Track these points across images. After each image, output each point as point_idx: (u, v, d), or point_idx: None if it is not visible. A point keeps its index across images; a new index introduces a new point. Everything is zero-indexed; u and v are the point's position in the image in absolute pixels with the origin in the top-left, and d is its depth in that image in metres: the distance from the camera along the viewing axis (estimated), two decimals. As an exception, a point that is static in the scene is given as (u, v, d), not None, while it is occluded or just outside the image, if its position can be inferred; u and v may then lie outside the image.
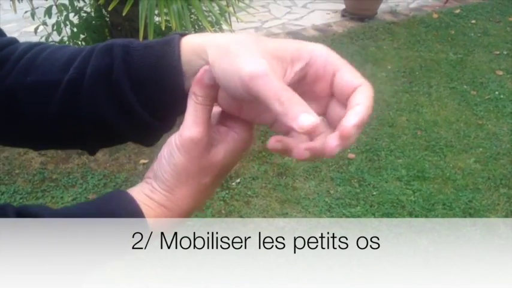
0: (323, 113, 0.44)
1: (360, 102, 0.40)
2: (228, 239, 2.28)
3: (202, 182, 0.46)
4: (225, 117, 0.48)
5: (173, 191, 0.45)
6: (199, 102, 0.44)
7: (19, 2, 2.60)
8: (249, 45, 0.41)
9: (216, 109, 0.48)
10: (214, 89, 0.44)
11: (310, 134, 0.41)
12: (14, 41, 0.55)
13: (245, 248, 2.24)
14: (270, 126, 0.47)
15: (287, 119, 0.37)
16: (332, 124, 0.43)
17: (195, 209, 0.47)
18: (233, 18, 2.83)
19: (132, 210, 0.44)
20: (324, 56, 0.42)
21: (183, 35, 0.47)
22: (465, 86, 3.74)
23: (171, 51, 0.46)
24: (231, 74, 0.40)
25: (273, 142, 0.43)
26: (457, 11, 5.14)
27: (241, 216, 2.42)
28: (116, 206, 0.44)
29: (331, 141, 0.39)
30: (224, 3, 2.69)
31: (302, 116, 0.37)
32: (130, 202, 0.45)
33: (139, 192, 0.46)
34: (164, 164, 0.45)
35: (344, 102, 0.41)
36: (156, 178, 0.46)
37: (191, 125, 0.44)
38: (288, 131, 0.46)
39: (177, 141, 0.44)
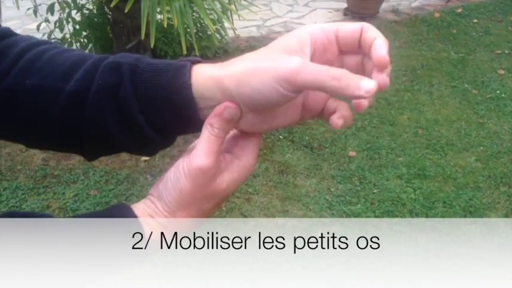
0: None
1: (374, 35, 0.43)
2: (228, 239, 2.28)
3: (204, 207, 0.47)
4: (232, 145, 0.48)
5: (175, 213, 0.46)
6: (215, 134, 0.44)
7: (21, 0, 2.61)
8: (264, 54, 0.44)
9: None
10: (231, 123, 0.45)
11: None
12: (10, 33, 0.54)
13: (245, 247, 2.25)
14: (297, 122, 0.48)
15: (351, 90, 0.39)
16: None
17: (193, 229, 0.49)
18: (235, 17, 2.84)
19: (134, 230, 0.45)
20: (319, 28, 0.45)
21: (194, 61, 0.47)
22: (466, 85, 3.74)
23: (182, 77, 0.46)
24: (268, 83, 0.41)
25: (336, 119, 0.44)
26: (459, 10, 5.13)
27: (242, 214, 2.43)
28: (118, 227, 0.45)
29: (376, 77, 0.41)
30: (226, 1, 2.70)
31: (362, 82, 0.39)
32: (132, 222, 0.46)
33: (140, 210, 0.47)
34: (170, 188, 0.46)
35: (355, 50, 0.45)
36: (160, 199, 0.47)
37: (202, 154, 0.44)
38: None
39: (185, 168, 0.45)
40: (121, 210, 0.46)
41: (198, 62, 0.47)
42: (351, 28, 0.44)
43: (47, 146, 0.55)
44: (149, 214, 0.46)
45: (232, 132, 0.49)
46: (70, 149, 0.55)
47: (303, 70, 0.40)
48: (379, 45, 0.42)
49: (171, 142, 0.51)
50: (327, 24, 0.45)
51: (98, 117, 0.48)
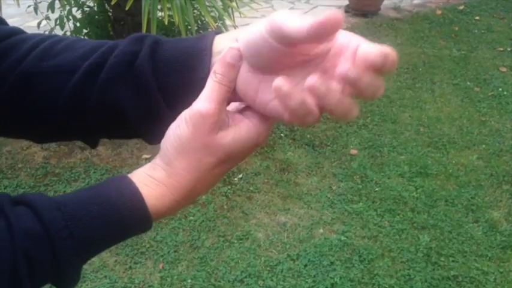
0: None
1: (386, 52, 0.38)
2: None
3: (204, 160, 0.44)
4: (243, 110, 0.47)
5: (172, 163, 0.44)
6: (217, 80, 0.44)
7: (22, -3, 2.60)
8: None
9: (237, 104, 0.48)
10: (234, 69, 0.44)
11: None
12: (18, 30, 0.54)
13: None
14: (282, 118, 0.45)
15: (308, 23, 0.35)
16: None
17: (196, 191, 0.46)
18: (236, 14, 2.82)
19: (129, 193, 0.44)
20: (348, 34, 0.41)
21: (218, 33, 0.47)
22: (468, 83, 3.73)
23: (203, 42, 0.46)
24: (259, 26, 0.40)
25: (280, 81, 0.40)
26: (461, 7, 5.12)
27: (243, 212, 2.42)
28: (113, 189, 0.44)
29: (344, 64, 0.38)
30: (227, -2, 2.69)
31: (327, 12, 0.35)
32: (129, 184, 0.44)
33: (140, 173, 0.46)
34: (170, 135, 0.45)
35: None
36: (160, 151, 0.46)
37: (203, 99, 0.44)
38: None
39: (186, 114, 0.44)
40: (117, 178, 0.45)
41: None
42: (372, 47, 0.39)
43: (53, 133, 0.54)
44: (146, 173, 0.45)
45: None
46: (75, 132, 0.53)
47: (284, 13, 0.38)
48: (373, 48, 0.38)
49: (176, 116, 0.50)
50: (356, 36, 0.41)
51: (109, 82, 0.47)
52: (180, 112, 0.48)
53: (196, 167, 0.44)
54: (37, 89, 0.49)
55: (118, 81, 0.47)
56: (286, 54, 0.41)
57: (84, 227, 0.41)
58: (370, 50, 0.37)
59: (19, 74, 0.49)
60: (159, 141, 0.51)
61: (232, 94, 0.45)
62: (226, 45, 0.45)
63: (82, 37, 3.00)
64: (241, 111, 0.47)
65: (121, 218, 0.43)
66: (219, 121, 0.44)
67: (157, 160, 0.46)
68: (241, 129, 0.45)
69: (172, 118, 0.48)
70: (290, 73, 0.44)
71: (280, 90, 0.39)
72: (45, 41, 0.52)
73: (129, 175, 0.45)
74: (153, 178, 0.45)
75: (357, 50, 0.40)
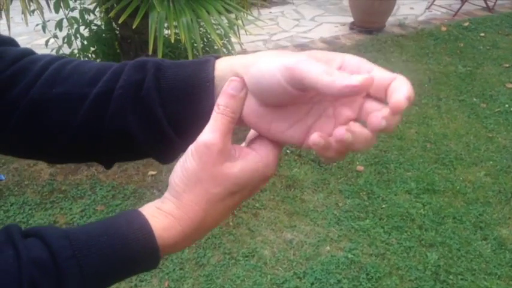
0: (356, 117, 0.44)
1: (401, 84, 0.40)
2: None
3: (212, 191, 0.44)
4: (251, 142, 0.48)
5: (181, 196, 0.44)
6: (220, 112, 0.44)
7: (30, 15, 2.63)
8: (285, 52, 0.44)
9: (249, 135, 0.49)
10: (236, 99, 0.45)
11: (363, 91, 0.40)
12: (29, 52, 0.55)
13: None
14: (300, 144, 0.46)
15: (341, 82, 0.38)
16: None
17: (206, 224, 0.46)
18: (242, 31, 2.85)
19: (138, 224, 0.43)
20: (356, 59, 0.43)
21: (217, 57, 0.48)
22: (475, 99, 3.72)
23: (205, 70, 0.47)
24: (272, 68, 0.42)
25: (317, 137, 0.43)
26: (466, 23, 5.13)
27: (249, 228, 2.41)
28: (123, 221, 0.44)
29: (376, 115, 0.40)
30: (233, 16, 2.71)
31: (354, 76, 0.38)
32: (138, 216, 0.44)
33: (149, 206, 0.46)
34: (177, 170, 0.45)
35: (381, 97, 0.42)
36: (169, 185, 0.46)
37: (207, 131, 0.44)
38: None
39: (191, 147, 0.45)
40: (126, 212, 0.45)
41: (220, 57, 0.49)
42: (383, 73, 0.41)
43: (65, 156, 0.54)
44: (155, 206, 0.45)
45: (252, 132, 0.49)
46: (88, 156, 0.54)
47: (305, 62, 0.40)
48: (401, 88, 0.39)
49: (188, 143, 0.50)
50: (365, 60, 0.43)
51: (119, 113, 0.48)
52: (190, 139, 0.48)
53: (204, 198, 0.44)
54: (48, 115, 0.50)
55: (127, 113, 0.48)
56: (298, 96, 0.43)
57: (92, 257, 0.41)
58: (400, 96, 0.39)
59: (30, 100, 0.50)
60: (171, 161, 0.52)
61: (242, 124, 0.46)
62: (227, 73, 0.46)
63: (89, 55, 3.04)
64: (248, 144, 0.48)
65: (129, 250, 0.42)
66: (224, 151, 0.44)
67: (166, 194, 0.46)
68: (248, 161, 0.45)
69: (183, 145, 0.49)
70: (302, 101, 0.45)
71: (318, 145, 0.42)
72: (53, 63, 0.52)
73: (139, 209, 0.45)
74: (161, 210, 0.45)
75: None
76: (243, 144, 0.49)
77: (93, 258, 0.41)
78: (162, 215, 0.44)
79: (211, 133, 0.44)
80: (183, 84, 0.47)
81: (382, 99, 0.42)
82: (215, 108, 0.45)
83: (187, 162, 0.45)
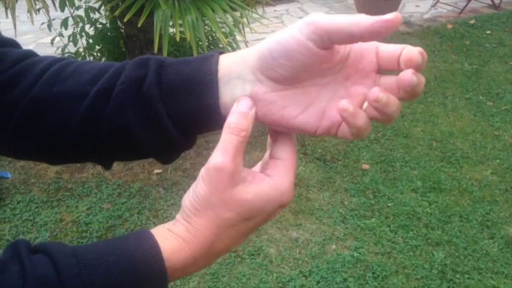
0: None
1: (412, 47, 0.40)
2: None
3: (223, 216, 0.43)
4: (265, 168, 0.47)
5: (191, 219, 0.44)
6: (230, 131, 0.43)
7: (36, 14, 2.63)
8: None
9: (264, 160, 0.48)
10: (247, 118, 0.43)
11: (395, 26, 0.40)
12: (32, 53, 0.54)
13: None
14: (314, 130, 0.45)
15: (370, 19, 0.38)
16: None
17: (216, 249, 0.45)
18: (246, 29, 2.84)
19: (148, 245, 0.43)
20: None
21: (221, 52, 0.47)
22: (481, 97, 3.70)
23: (208, 64, 0.46)
24: (291, 32, 0.41)
25: (346, 103, 0.41)
26: (472, 21, 5.10)
27: (254, 227, 2.40)
28: (132, 241, 0.43)
29: (406, 72, 0.39)
30: (238, 14, 2.71)
31: (385, 15, 0.38)
32: (147, 237, 0.43)
33: (160, 228, 0.45)
34: (190, 193, 0.45)
35: (395, 67, 0.42)
36: (181, 208, 0.45)
37: (217, 153, 0.43)
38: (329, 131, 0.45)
39: (202, 171, 0.44)
40: (136, 232, 0.44)
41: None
42: (393, 46, 0.42)
43: (65, 157, 0.54)
44: (167, 228, 0.45)
45: (267, 154, 0.48)
46: (88, 156, 0.53)
47: (328, 16, 0.40)
48: (413, 49, 0.40)
49: (189, 142, 0.49)
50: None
51: (119, 109, 0.47)
52: (192, 137, 0.48)
53: (214, 223, 0.43)
54: (48, 114, 0.49)
55: (127, 109, 0.47)
56: (316, 60, 0.41)
57: (98, 276, 0.40)
58: (411, 51, 0.40)
59: (30, 99, 0.49)
60: (172, 161, 0.51)
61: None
62: (233, 65, 0.45)
63: (94, 54, 3.04)
64: (262, 170, 0.47)
65: (137, 270, 0.41)
66: (235, 174, 0.43)
67: (178, 216, 0.45)
68: (262, 187, 0.44)
69: (185, 143, 0.48)
70: (312, 83, 0.44)
71: (347, 111, 0.41)
72: (55, 64, 0.52)
73: (151, 230, 0.45)
74: (171, 232, 0.44)
75: (379, 51, 0.42)
76: (257, 169, 0.48)
77: (99, 278, 0.40)
78: (172, 237, 0.44)
79: (221, 156, 0.42)
80: (185, 79, 0.46)
81: (395, 71, 0.42)
82: (225, 128, 0.43)
83: (198, 187, 0.44)
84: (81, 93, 0.48)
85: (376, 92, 0.40)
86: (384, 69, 0.43)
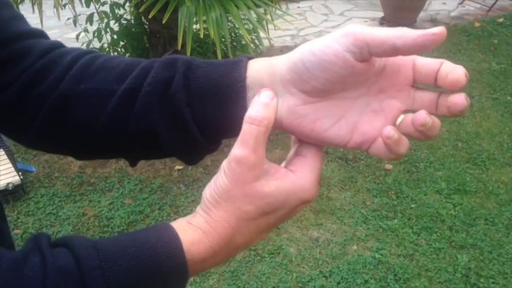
0: (407, 108, 0.43)
1: (452, 65, 0.39)
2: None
3: (243, 209, 0.42)
4: (289, 164, 0.45)
5: (211, 211, 0.43)
6: (250, 122, 0.41)
7: (62, 9, 2.66)
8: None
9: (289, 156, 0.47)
10: (269, 108, 0.42)
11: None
12: (59, 44, 0.54)
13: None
14: (345, 143, 0.44)
15: (414, 32, 0.37)
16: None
17: (236, 243, 0.44)
18: (270, 26, 2.82)
19: (168, 237, 0.42)
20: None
21: (250, 58, 0.46)
22: (509, 97, 3.62)
23: (237, 70, 0.45)
24: (327, 41, 0.40)
25: (391, 130, 0.41)
26: (500, 19, 4.99)
27: (275, 226, 2.39)
28: (152, 234, 0.42)
29: (456, 96, 0.39)
30: (262, 10, 2.69)
31: (430, 29, 0.37)
32: (167, 229, 0.43)
33: (180, 220, 0.45)
34: (211, 185, 0.44)
35: (431, 82, 0.40)
36: (202, 200, 0.45)
37: (237, 145, 0.42)
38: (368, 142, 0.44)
39: (224, 163, 0.43)
40: (156, 225, 0.44)
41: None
42: (429, 60, 0.41)
43: (92, 152, 0.54)
44: (186, 220, 0.44)
45: (292, 152, 0.47)
46: (115, 153, 0.54)
47: (367, 28, 0.38)
48: (456, 68, 0.39)
49: (214, 146, 0.49)
50: None
51: (145, 110, 0.47)
52: (218, 142, 0.47)
53: (234, 215, 0.42)
54: (76, 111, 0.49)
55: (154, 110, 0.47)
56: (352, 72, 0.40)
57: (118, 268, 0.40)
58: (456, 72, 0.38)
59: (58, 95, 0.49)
60: (196, 163, 0.51)
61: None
62: (262, 73, 0.44)
63: (118, 49, 3.06)
64: (286, 166, 0.46)
65: (157, 262, 0.41)
66: (257, 166, 0.42)
67: (198, 208, 0.45)
68: (285, 181, 0.43)
69: (210, 147, 0.48)
70: (344, 95, 0.43)
71: (391, 139, 0.41)
72: (82, 57, 0.52)
73: (171, 223, 0.44)
74: (191, 224, 0.44)
75: (416, 65, 0.41)
76: (282, 165, 0.47)
77: (119, 270, 0.40)
78: (192, 229, 0.43)
79: (241, 148, 0.41)
80: (213, 84, 0.45)
81: (430, 85, 0.41)
82: (245, 119, 0.42)
83: (219, 179, 0.43)
84: (109, 91, 0.48)
85: (423, 116, 0.39)
86: (420, 83, 0.42)
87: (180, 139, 0.47)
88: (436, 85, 0.40)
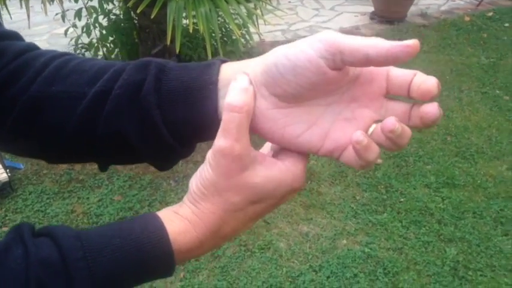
0: (379, 118, 0.42)
1: (425, 76, 0.39)
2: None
3: (230, 200, 0.42)
4: (276, 152, 0.45)
5: (198, 203, 0.43)
6: (230, 109, 0.41)
7: (50, 5, 2.64)
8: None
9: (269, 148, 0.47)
10: (248, 93, 0.41)
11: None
12: (33, 47, 0.54)
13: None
14: (316, 150, 0.43)
15: (387, 43, 0.36)
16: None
17: (223, 233, 0.44)
18: (260, 21, 2.82)
19: (153, 227, 0.42)
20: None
21: (224, 61, 0.46)
22: (497, 91, 3.64)
23: (209, 73, 0.44)
24: (302, 46, 0.39)
25: (360, 135, 0.41)
26: (490, 14, 5.01)
27: (265, 221, 2.39)
28: (137, 224, 0.42)
29: (429, 106, 0.39)
30: (252, 5, 2.68)
31: (404, 41, 0.36)
32: (153, 219, 0.43)
33: (166, 210, 0.45)
34: (197, 176, 0.44)
35: (404, 94, 0.40)
36: (188, 190, 0.44)
37: (220, 135, 0.41)
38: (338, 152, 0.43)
39: (209, 154, 0.42)
40: (142, 215, 0.44)
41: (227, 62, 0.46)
42: (403, 70, 0.41)
43: (62, 156, 0.53)
44: (173, 210, 0.44)
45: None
46: (85, 157, 0.53)
47: (343, 35, 0.38)
48: (428, 78, 0.38)
49: (188, 150, 0.48)
50: None
51: (115, 113, 0.46)
52: (191, 146, 0.47)
53: (221, 207, 0.42)
54: (46, 113, 0.49)
55: (123, 114, 0.46)
56: (324, 80, 0.40)
57: (103, 259, 0.39)
58: (428, 82, 0.38)
59: (29, 98, 0.48)
60: (169, 168, 0.50)
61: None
62: (234, 75, 0.43)
63: (107, 45, 3.04)
64: (273, 155, 0.45)
65: (143, 252, 0.41)
66: (242, 155, 0.41)
67: (184, 198, 0.45)
68: (273, 170, 0.43)
69: (182, 151, 0.47)
70: (316, 102, 0.43)
71: (360, 144, 0.40)
72: (55, 60, 0.51)
73: (157, 212, 0.44)
74: (177, 214, 0.43)
75: (389, 75, 0.41)
76: (266, 149, 0.47)
77: (104, 261, 0.39)
78: (179, 219, 0.43)
79: (224, 138, 0.41)
80: (184, 87, 0.44)
81: (403, 96, 0.40)
82: (224, 108, 0.41)
83: (205, 171, 0.43)
84: (80, 94, 0.48)
85: (392, 122, 0.39)
86: (393, 94, 0.41)
87: (149, 142, 0.46)
88: (409, 96, 0.40)
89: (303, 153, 0.45)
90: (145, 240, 0.41)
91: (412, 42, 0.36)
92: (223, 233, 0.44)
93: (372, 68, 0.41)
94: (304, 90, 0.41)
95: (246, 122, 0.41)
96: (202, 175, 0.43)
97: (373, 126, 0.42)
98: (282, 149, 0.45)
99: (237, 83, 0.42)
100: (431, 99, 0.38)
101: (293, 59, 0.39)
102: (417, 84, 0.38)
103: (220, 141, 0.41)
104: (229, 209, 0.43)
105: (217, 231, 0.43)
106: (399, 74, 0.40)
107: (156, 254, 0.41)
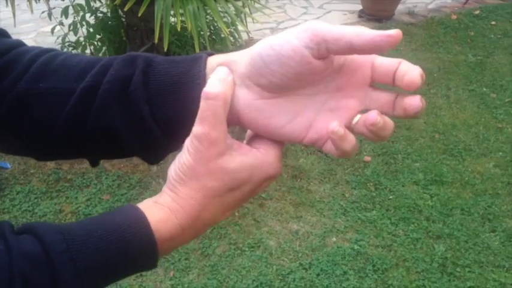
0: (364, 108, 0.43)
1: (409, 65, 0.40)
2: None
3: (208, 185, 0.43)
4: (251, 140, 0.46)
5: (176, 189, 0.43)
6: (206, 97, 0.42)
7: (36, 3, 2.61)
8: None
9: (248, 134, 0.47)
10: (225, 83, 0.42)
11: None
12: (20, 43, 0.53)
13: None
14: (300, 140, 0.44)
15: (371, 32, 0.37)
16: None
17: (203, 220, 0.44)
18: (249, 19, 2.81)
19: (134, 217, 0.42)
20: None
21: (210, 54, 0.46)
22: (484, 89, 3.67)
23: (197, 67, 0.45)
24: (286, 37, 0.40)
25: (336, 125, 0.41)
26: (477, 12, 5.05)
27: (254, 219, 2.39)
28: (118, 215, 0.43)
29: (412, 98, 0.40)
30: (240, 3, 2.67)
31: (387, 31, 0.37)
32: (134, 209, 0.43)
33: (146, 201, 0.45)
34: (175, 163, 0.44)
35: (389, 82, 0.41)
36: (167, 179, 0.45)
37: (197, 122, 0.42)
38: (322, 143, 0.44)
39: (187, 141, 0.43)
40: (122, 207, 0.44)
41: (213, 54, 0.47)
42: (388, 59, 0.41)
43: (52, 153, 0.53)
44: (152, 200, 0.44)
45: (249, 132, 0.47)
46: (74, 153, 0.52)
47: (327, 25, 0.39)
48: (413, 68, 0.39)
49: (176, 143, 0.48)
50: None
51: (104, 108, 0.46)
52: (180, 140, 0.47)
53: (200, 192, 0.43)
54: (34, 110, 0.48)
55: (112, 108, 0.46)
56: (309, 70, 0.40)
57: (86, 251, 0.39)
58: (411, 73, 0.39)
59: (16, 95, 0.48)
60: (158, 162, 0.51)
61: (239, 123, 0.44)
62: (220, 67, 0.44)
63: (95, 43, 3.01)
64: (248, 142, 0.46)
65: (125, 242, 0.41)
66: (218, 142, 0.42)
67: (164, 187, 0.45)
68: (249, 156, 0.44)
69: (171, 145, 0.48)
70: (301, 92, 0.43)
71: (336, 134, 0.41)
72: (42, 56, 0.50)
73: (137, 204, 0.44)
74: (157, 203, 0.44)
75: (374, 64, 0.41)
76: (244, 142, 0.47)
77: (87, 253, 0.39)
78: (158, 207, 0.43)
79: (201, 125, 0.42)
80: (172, 82, 0.45)
81: (388, 85, 0.41)
82: (202, 96, 0.42)
83: (183, 157, 0.43)
84: (68, 90, 0.47)
85: (374, 116, 0.40)
86: (378, 82, 0.42)
87: (139, 137, 0.46)
88: (394, 85, 0.40)
89: (279, 142, 0.45)
90: (126, 230, 0.41)
91: (395, 32, 0.37)
92: (204, 220, 0.44)
93: (356, 57, 0.41)
94: (289, 80, 0.41)
95: (223, 110, 0.42)
96: (181, 161, 0.43)
97: (358, 116, 0.42)
98: (257, 137, 0.46)
99: (215, 74, 0.43)
100: (415, 90, 0.39)
101: (277, 49, 0.40)
102: (401, 74, 0.39)
103: (198, 127, 0.42)
104: (208, 195, 0.43)
105: (197, 217, 0.44)
106: (384, 62, 0.41)
107: (139, 243, 0.41)
